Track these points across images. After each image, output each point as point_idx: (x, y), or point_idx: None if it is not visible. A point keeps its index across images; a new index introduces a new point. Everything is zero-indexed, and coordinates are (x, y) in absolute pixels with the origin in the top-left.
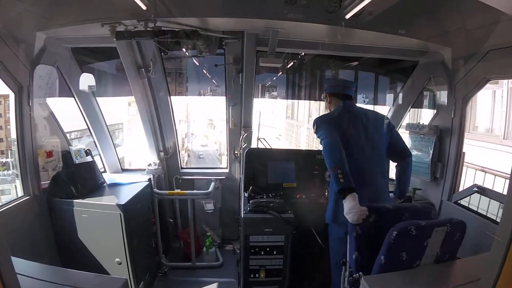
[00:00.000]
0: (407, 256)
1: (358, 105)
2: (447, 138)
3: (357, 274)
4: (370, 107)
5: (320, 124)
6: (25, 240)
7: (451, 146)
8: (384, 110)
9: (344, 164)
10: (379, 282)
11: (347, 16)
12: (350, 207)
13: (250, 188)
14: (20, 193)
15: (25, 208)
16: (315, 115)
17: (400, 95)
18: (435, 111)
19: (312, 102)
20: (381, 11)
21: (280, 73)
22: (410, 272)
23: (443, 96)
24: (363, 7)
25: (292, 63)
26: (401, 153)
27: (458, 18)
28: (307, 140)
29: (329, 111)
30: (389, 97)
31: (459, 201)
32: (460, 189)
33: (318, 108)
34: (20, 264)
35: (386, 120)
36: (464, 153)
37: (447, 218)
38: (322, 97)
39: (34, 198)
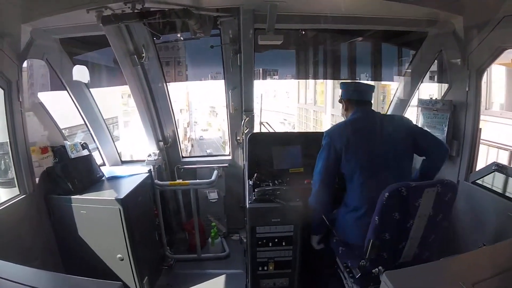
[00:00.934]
0: (399, 216)
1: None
2: (462, 114)
3: (377, 269)
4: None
5: (325, 144)
6: (23, 239)
7: (466, 122)
8: (393, 87)
9: (321, 213)
10: (402, 277)
11: None
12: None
13: (255, 175)
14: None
15: (22, 207)
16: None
17: (409, 70)
18: (447, 85)
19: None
20: None
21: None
22: (434, 265)
23: (455, 69)
24: None
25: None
26: (436, 150)
27: None
28: None
29: (345, 118)
30: (397, 72)
31: (477, 181)
32: (478, 168)
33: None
34: (5, 268)
35: (408, 123)
36: (480, 129)
37: (438, 179)
38: (338, 101)
39: (30, 196)
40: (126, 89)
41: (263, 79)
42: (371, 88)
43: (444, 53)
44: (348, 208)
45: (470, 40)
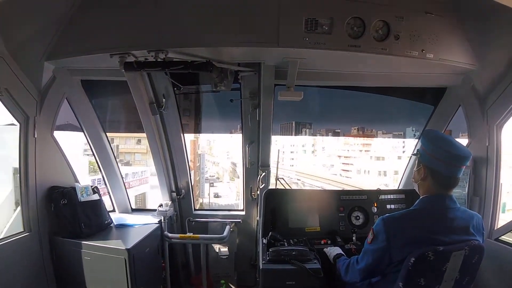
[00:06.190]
0: (425, 282)
1: None
2: (482, 169)
3: None
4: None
5: (378, 240)
6: (22, 278)
7: (488, 178)
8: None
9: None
10: None
11: (372, 41)
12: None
13: (269, 233)
14: None
15: (24, 245)
16: None
17: (429, 125)
18: (467, 140)
19: None
20: (407, 34)
21: None
22: None
23: (475, 123)
24: (389, 30)
25: None
26: None
27: (488, 37)
28: None
29: (417, 188)
30: (416, 128)
31: (500, 238)
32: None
33: None
34: None
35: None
36: (501, 184)
37: (465, 242)
38: (412, 154)
39: (35, 234)
40: None
41: (295, 134)
42: (468, 158)
43: (463, 107)
44: None
45: (489, 94)
